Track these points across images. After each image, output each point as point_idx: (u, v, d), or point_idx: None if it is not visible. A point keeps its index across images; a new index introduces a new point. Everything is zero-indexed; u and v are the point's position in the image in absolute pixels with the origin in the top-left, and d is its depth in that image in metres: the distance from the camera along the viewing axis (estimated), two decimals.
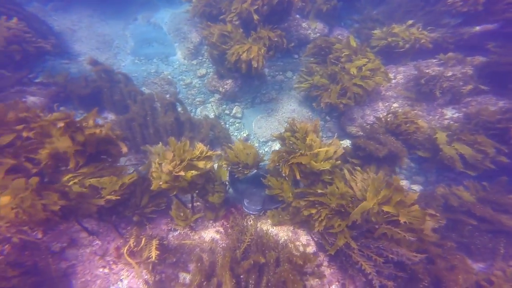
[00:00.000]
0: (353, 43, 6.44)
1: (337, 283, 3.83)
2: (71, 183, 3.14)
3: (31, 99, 5.80)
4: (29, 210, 2.65)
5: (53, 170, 3.23)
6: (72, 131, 3.16)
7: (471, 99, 6.11)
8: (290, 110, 6.96)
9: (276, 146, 6.33)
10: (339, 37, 7.86)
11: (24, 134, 3.12)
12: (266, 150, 6.48)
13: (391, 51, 6.95)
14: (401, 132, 5.29)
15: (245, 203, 4.37)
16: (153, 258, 3.40)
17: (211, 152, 3.82)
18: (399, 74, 6.81)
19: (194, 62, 8.06)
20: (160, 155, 3.72)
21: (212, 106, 6.87)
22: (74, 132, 3.19)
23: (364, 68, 6.07)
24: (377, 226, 3.49)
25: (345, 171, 4.20)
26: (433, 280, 3.62)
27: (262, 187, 4.45)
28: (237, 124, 6.77)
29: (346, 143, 6.28)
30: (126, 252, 3.50)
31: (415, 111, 6.22)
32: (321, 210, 3.82)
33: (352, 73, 6.00)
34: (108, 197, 3.33)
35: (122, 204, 3.75)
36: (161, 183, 3.47)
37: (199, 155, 3.66)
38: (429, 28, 7.11)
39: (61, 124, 3.09)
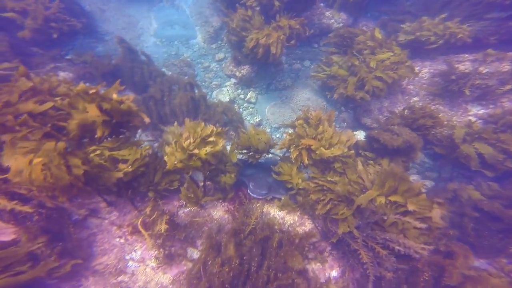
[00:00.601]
0: (378, 35, 6.21)
1: (337, 268, 3.93)
2: (92, 155, 3.32)
3: (62, 74, 6.16)
4: (56, 172, 2.84)
5: (77, 141, 3.44)
6: (99, 102, 3.31)
7: (503, 97, 5.76)
8: (304, 98, 6.91)
9: (289, 132, 6.30)
10: (363, 28, 7.57)
11: (58, 102, 3.34)
12: (277, 136, 6.51)
13: (420, 46, 6.51)
14: (418, 127, 5.14)
15: (250, 186, 4.35)
16: (162, 230, 3.55)
17: (221, 129, 3.88)
18: (425, 68, 6.47)
19: (213, 46, 8.10)
20: (176, 133, 3.84)
21: (228, 90, 6.98)
22: (101, 102, 3.33)
23: (387, 62, 5.83)
24: (385, 217, 3.48)
25: (358, 162, 4.16)
26: (434, 273, 3.61)
27: (269, 173, 4.47)
28: (250, 109, 6.84)
29: (360, 134, 6.19)
30: (140, 224, 3.70)
31: (436, 106, 5.99)
32: (327, 194, 3.86)
33: (372, 66, 5.82)
34: (126, 169, 3.48)
35: (137, 180, 3.89)
36: (176, 162, 3.57)
37: (210, 133, 3.74)
38: (469, 21, 6.51)
39: (92, 90, 3.28)
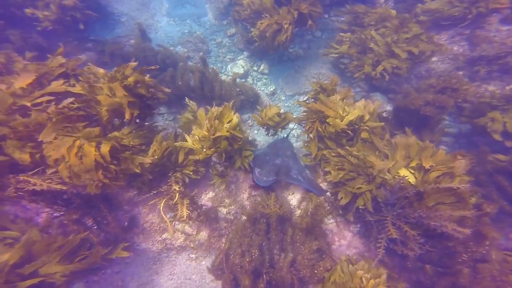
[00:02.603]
0: (392, 12, 6.13)
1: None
2: (123, 141, 3.35)
3: (88, 54, 6.63)
4: (89, 158, 2.91)
5: (106, 126, 3.51)
6: (122, 80, 3.40)
7: None
8: (318, 67, 7.04)
9: (304, 98, 6.52)
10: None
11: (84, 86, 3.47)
12: (292, 103, 6.72)
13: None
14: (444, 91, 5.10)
15: (256, 173, 3.88)
16: (184, 216, 3.49)
17: (231, 103, 3.93)
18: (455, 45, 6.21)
19: (224, 22, 8.17)
20: (197, 120, 3.89)
21: (241, 63, 7.15)
22: (124, 79, 3.41)
23: (403, 36, 5.72)
24: (415, 190, 3.23)
25: (386, 136, 4.01)
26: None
27: (277, 155, 4.14)
28: (264, 80, 6.99)
29: (377, 96, 6.34)
30: (162, 209, 3.61)
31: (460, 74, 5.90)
32: (345, 162, 3.74)
33: (388, 42, 5.68)
34: (151, 159, 3.49)
35: (162, 164, 3.83)
36: (205, 150, 3.68)
37: (222, 112, 3.79)
38: None
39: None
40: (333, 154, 3.92)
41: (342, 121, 3.87)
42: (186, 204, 3.56)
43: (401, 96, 5.32)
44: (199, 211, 3.83)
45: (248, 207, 4.16)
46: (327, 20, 7.84)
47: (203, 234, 4.11)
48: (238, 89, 5.96)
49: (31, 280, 2.74)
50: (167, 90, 3.92)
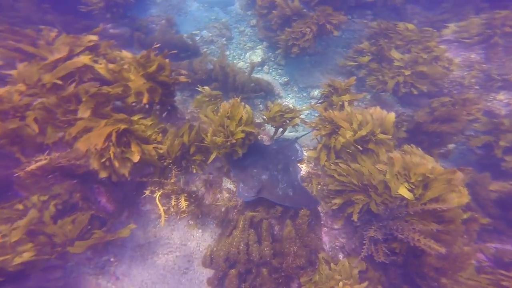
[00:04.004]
0: (412, 27, 6.35)
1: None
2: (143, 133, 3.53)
3: (124, 29, 7.17)
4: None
5: (130, 109, 3.76)
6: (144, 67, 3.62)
7: None
8: (333, 64, 7.16)
9: (315, 92, 6.77)
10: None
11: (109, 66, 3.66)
12: (304, 95, 6.89)
13: None
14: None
15: (239, 188, 3.75)
16: (184, 207, 3.63)
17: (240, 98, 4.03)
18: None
19: (249, 12, 8.41)
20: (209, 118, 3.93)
21: (260, 52, 7.43)
22: (147, 63, 3.62)
23: (424, 56, 5.98)
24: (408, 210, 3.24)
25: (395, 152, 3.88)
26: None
27: (266, 168, 3.91)
28: (279, 70, 7.22)
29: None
30: (159, 197, 3.65)
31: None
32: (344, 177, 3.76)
33: (406, 60, 5.94)
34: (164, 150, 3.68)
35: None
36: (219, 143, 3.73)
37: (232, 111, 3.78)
38: None
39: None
40: (332, 167, 3.97)
41: (354, 134, 3.85)
42: (184, 197, 3.73)
43: (417, 113, 5.43)
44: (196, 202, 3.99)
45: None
46: (350, 21, 7.98)
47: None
48: (252, 84, 6.12)
49: None
50: (184, 72, 4.14)
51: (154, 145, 3.57)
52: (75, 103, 3.35)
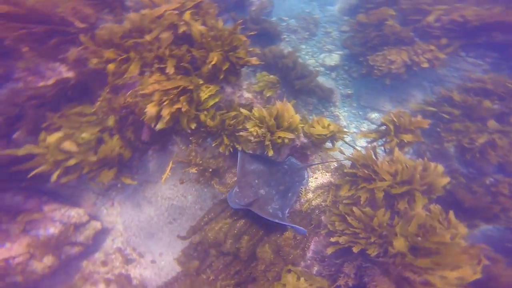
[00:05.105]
0: None
1: None
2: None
3: None
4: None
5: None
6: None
7: None
8: (409, 95, 6.39)
9: (373, 115, 6.31)
10: None
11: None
12: (359, 113, 6.47)
13: None
14: None
15: (232, 192, 3.53)
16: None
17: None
18: None
19: (346, 18, 8.08)
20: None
21: (337, 57, 7.17)
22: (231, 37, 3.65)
23: None
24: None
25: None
26: None
27: (268, 184, 3.66)
28: (347, 81, 6.84)
29: None
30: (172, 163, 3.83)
31: None
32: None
33: None
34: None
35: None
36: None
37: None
38: None
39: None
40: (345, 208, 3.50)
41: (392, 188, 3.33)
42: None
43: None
44: None
45: None
46: (459, 58, 6.94)
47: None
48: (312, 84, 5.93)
49: None
50: (258, 51, 4.12)
51: (205, 112, 3.63)
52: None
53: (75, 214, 4.30)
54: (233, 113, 3.72)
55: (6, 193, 3.98)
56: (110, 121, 3.69)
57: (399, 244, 2.83)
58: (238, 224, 3.62)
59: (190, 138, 3.76)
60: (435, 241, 2.80)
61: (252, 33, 3.87)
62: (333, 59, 7.12)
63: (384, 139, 4.34)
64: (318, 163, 4.17)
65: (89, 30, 3.63)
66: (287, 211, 3.64)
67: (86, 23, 3.64)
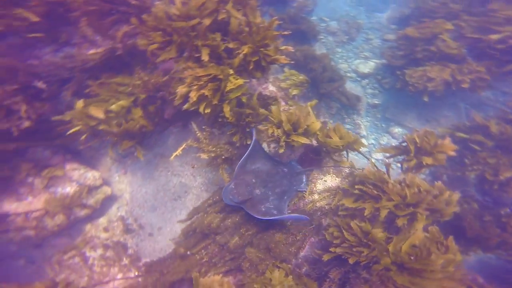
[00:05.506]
0: None
1: None
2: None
3: None
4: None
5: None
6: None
7: None
8: (440, 115, 6.15)
9: (396, 129, 6.20)
10: None
11: None
12: (382, 125, 6.34)
13: None
14: None
15: (228, 187, 3.52)
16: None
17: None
18: None
19: (393, 26, 7.83)
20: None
21: (372, 65, 7.01)
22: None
23: None
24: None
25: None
26: None
27: (265, 186, 3.65)
28: (377, 91, 6.71)
29: None
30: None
31: None
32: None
33: None
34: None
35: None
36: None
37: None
38: None
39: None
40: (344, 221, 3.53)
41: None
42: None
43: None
44: None
45: None
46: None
47: None
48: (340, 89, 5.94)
49: None
50: (291, 49, 4.06)
51: (227, 102, 3.73)
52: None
53: (91, 176, 4.43)
54: (248, 111, 3.85)
55: (38, 147, 4.22)
56: (141, 95, 3.98)
57: (385, 262, 2.90)
58: (230, 220, 3.75)
59: (204, 126, 3.98)
60: (423, 263, 2.85)
61: (286, 32, 3.89)
62: (368, 66, 6.99)
63: (403, 156, 4.28)
64: (314, 168, 4.20)
65: (143, 10, 3.93)
66: (285, 211, 3.65)
67: (140, 1, 3.97)
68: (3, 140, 3.74)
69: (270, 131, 3.64)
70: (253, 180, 3.61)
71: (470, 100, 6.40)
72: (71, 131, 3.75)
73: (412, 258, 2.98)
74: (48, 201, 4.10)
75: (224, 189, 3.53)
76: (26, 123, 3.64)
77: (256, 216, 3.39)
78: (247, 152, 3.63)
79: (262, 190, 3.61)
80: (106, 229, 4.54)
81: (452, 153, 3.85)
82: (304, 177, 4.02)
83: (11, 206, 4.04)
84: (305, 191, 3.97)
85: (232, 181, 3.57)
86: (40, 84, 3.76)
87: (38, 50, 3.97)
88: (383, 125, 6.31)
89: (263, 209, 3.48)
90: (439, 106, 6.28)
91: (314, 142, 4.19)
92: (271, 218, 3.38)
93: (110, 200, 4.62)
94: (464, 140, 5.23)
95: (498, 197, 4.79)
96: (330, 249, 3.31)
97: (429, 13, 6.57)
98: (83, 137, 3.85)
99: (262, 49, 3.79)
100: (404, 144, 4.25)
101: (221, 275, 3.36)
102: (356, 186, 3.56)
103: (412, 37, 6.12)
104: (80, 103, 3.78)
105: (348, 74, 6.84)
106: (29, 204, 4.07)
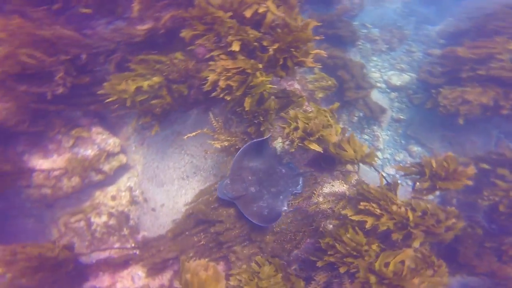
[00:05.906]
0: None
1: None
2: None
3: None
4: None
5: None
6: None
7: None
8: (467, 140, 5.94)
9: (415, 148, 6.10)
10: None
11: None
12: (401, 142, 6.26)
13: None
14: None
15: (223, 182, 3.54)
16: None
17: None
18: None
19: (442, 41, 7.40)
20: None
21: (406, 78, 6.82)
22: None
23: None
24: None
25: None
26: None
27: (261, 184, 3.64)
28: (403, 106, 6.59)
29: None
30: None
31: None
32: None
33: None
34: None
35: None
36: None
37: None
38: None
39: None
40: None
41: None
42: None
43: None
44: None
45: None
46: None
47: None
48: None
49: None
50: (323, 53, 4.09)
51: (250, 96, 3.88)
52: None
53: (112, 142, 4.43)
54: (262, 109, 4.00)
55: (75, 111, 4.32)
56: (173, 75, 4.19)
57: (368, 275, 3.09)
58: (233, 208, 3.79)
59: (217, 118, 4.11)
60: (404, 281, 2.98)
61: (318, 37, 3.90)
62: (401, 79, 6.81)
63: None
64: (313, 171, 4.20)
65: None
66: (281, 210, 3.72)
67: None
68: (44, 101, 3.87)
69: (286, 130, 3.75)
70: (250, 177, 3.65)
71: (507, 128, 6.01)
72: (107, 100, 3.95)
73: (395, 277, 3.07)
74: (70, 160, 4.11)
75: (219, 183, 3.60)
76: (61, 89, 3.80)
77: (244, 214, 3.51)
78: (243, 147, 3.67)
79: (257, 188, 3.65)
80: (113, 198, 4.58)
81: (469, 182, 3.68)
82: (300, 180, 4.07)
83: (38, 162, 4.09)
84: (300, 193, 4.01)
85: (228, 176, 3.63)
86: (84, 57, 4.02)
87: (95, 21, 4.42)
88: (402, 141, 6.22)
89: (255, 209, 3.57)
90: (468, 130, 5.99)
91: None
92: (252, 221, 3.50)
93: (123, 169, 4.64)
94: (485, 170, 5.04)
95: (505, 226, 4.66)
96: (324, 258, 3.43)
97: (490, 33, 6.08)
98: (115, 106, 3.98)
99: (292, 49, 3.85)
100: (419, 164, 4.19)
101: (207, 259, 3.38)
102: (362, 203, 3.53)
103: (462, 57, 5.72)
104: (117, 77, 4.05)
105: (378, 84, 6.71)
106: (53, 162, 4.07)
